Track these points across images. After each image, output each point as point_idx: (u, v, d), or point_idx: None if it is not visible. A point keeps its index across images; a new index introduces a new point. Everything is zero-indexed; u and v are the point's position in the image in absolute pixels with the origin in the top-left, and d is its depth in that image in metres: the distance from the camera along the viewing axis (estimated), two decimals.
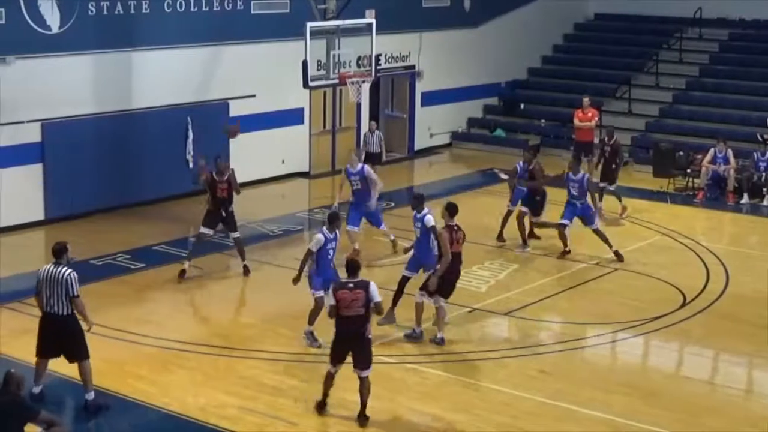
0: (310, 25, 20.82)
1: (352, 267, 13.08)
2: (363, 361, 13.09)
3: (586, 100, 26.83)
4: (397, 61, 29.04)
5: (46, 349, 13.58)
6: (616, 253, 19.87)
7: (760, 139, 27.17)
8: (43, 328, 13.54)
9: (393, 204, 23.95)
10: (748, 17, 32.67)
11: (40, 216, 21.89)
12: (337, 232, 15.53)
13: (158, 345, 15.64)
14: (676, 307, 17.51)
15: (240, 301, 18.24)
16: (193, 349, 15.45)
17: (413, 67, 29.65)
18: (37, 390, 13.60)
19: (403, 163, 29.10)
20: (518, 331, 16.94)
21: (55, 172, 21.95)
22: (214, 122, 24.50)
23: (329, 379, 13.31)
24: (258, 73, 25.27)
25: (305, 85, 21.09)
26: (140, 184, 23.34)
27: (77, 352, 13.42)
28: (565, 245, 20.12)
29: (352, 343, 13.03)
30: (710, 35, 32.48)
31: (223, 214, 18.91)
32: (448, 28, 30.23)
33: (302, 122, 26.93)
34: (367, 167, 19.94)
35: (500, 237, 21.00)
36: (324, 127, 27.72)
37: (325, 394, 13.37)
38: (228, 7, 24.70)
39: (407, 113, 30.11)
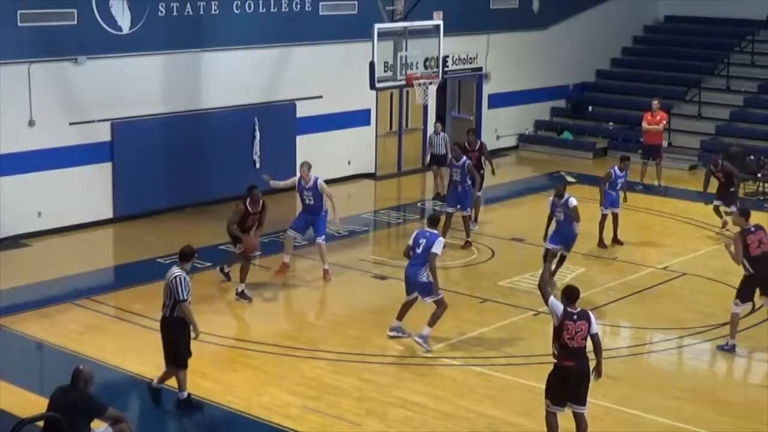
0: (377, 26, 20.82)
1: (573, 294, 12.11)
2: (584, 397, 12.18)
3: (655, 103, 26.62)
4: (464, 63, 28.96)
5: (166, 355, 13.55)
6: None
7: None
8: (161, 332, 13.56)
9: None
10: None
11: (109, 214, 22.14)
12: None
13: (223, 344, 15.74)
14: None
15: (306, 301, 18.28)
16: (258, 348, 15.53)
17: (480, 68, 29.56)
18: (183, 396, 13.54)
19: None
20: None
21: (124, 171, 22.19)
22: (282, 123, 24.67)
23: (553, 421, 12.25)
24: (325, 74, 25.35)
25: (372, 86, 21.10)
26: (207, 183, 23.51)
27: (177, 356, 13.34)
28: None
29: (578, 378, 12.05)
30: None
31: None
32: (516, 30, 30.10)
33: (369, 123, 26.97)
34: (320, 180, 18.91)
35: (601, 243, 21.09)
36: (390, 128, 27.74)
37: None
38: (296, 8, 24.80)
39: (474, 115, 30.02)
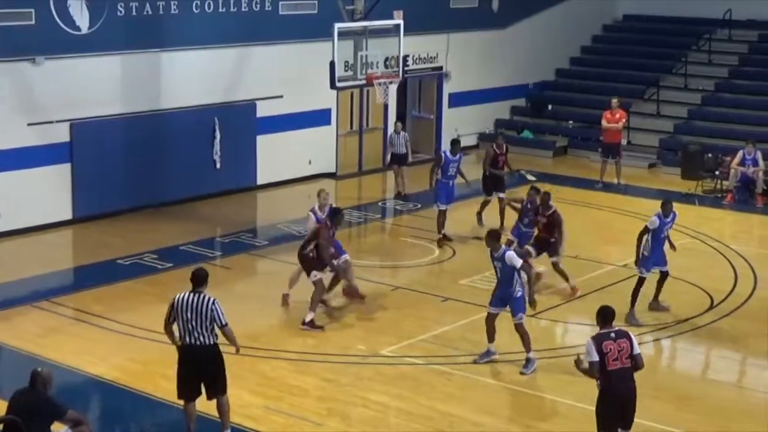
0: (337, 26, 20.82)
1: (608, 314, 11.74)
2: (631, 422, 11.58)
3: (614, 101, 26.79)
4: (424, 62, 29.01)
5: (190, 388, 12.45)
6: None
7: None
8: (185, 363, 12.39)
9: (419, 205, 23.97)
10: None
11: (68, 215, 21.99)
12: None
13: None
14: (704, 310, 17.43)
15: (267, 302, 18.24)
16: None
17: (441, 68, 29.62)
18: None
19: (430, 165, 29.02)
20: (546, 333, 16.88)
21: (84, 172, 22.05)
22: (242, 123, 24.62)
23: None
24: (285, 74, 25.31)
25: (332, 85, 21.10)
26: (167, 184, 23.41)
27: (219, 386, 12.41)
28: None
29: (627, 400, 11.46)
30: (740, 37, 32.30)
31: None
32: (476, 29, 30.18)
33: (329, 123, 26.95)
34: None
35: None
36: (351, 127, 27.74)
37: None
38: (256, 8, 24.74)
39: (434, 114, 30.08)
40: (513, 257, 14.73)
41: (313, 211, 17.38)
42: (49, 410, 10.67)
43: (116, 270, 19.07)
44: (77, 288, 18.58)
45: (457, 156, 21.28)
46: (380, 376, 14.76)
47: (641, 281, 17.17)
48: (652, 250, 17.17)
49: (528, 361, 14.93)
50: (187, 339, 12.23)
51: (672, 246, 17.61)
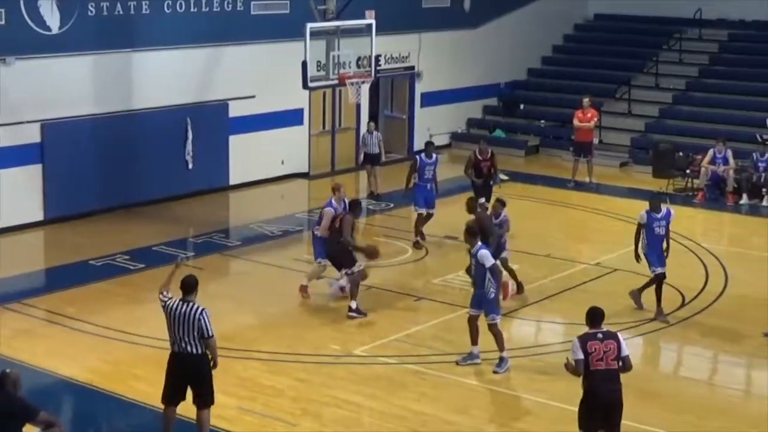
0: (309, 25, 20.81)
1: (596, 314, 11.59)
2: (618, 424, 11.51)
3: (585, 100, 26.88)
4: (396, 62, 29.03)
5: (173, 393, 12.29)
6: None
7: (759, 139, 27.20)
8: (172, 370, 12.25)
9: (392, 205, 24.00)
10: (747, 18, 32.67)
11: (39, 216, 21.88)
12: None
13: (157, 345, 15.57)
14: (675, 308, 17.52)
15: (239, 302, 18.23)
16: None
17: (413, 67, 29.65)
18: None
19: (403, 164, 29.06)
20: (518, 332, 16.94)
21: (55, 173, 21.94)
22: (214, 123, 24.57)
23: None
24: (257, 74, 25.27)
25: (305, 85, 21.09)
26: (139, 184, 23.33)
27: (205, 397, 12.22)
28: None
29: (610, 402, 11.39)
30: (710, 36, 32.49)
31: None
32: (447, 29, 30.23)
33: (302, 123, 26.93)
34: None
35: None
36: (323, 127, 27.73)
37: None
38: (228, 8, 24.70)
39: (407, 114, 30.11)
40: (485, 256, 14.74)
41: (331, 205, 17.55)
42: (21, 412, 10.58)
43: (88, 271, 19.00)
44: (49, 289, 18.49)
45: (433, 158, 21.17)
46: (354, 375, 14.77)
47: (657, 279, 17.02)
48: (648, 246, 17.20)
49: (501, 360, 14.97)
50: (176, 347, 12.11)
51: (666, 249, 17.28)
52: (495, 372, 14.84)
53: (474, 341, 15.11)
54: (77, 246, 20.55)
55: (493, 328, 14.92)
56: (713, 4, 32.00)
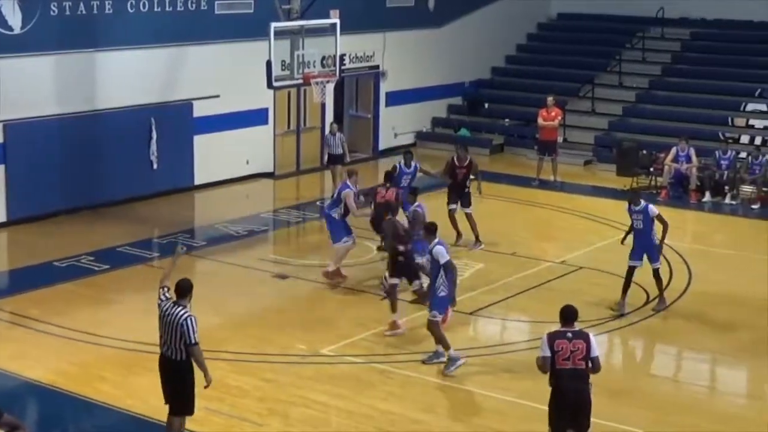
0: (274, 25, 20.78)
1: (568, 313, 11.57)
2: (586, 425, 11.48)
3: (550, 99, 26.98)
4: (361, 61, 29.03)
5: (164, 396, 12.16)
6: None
7: (721, 137, 27.42)
8: (159, 372, 12.12)
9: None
10: (709, 17, 32.90)
11: (2, 218, 21.72)
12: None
13: (123, 347, 15.57)
14: (639, 305, 17.62)
15: (205, 302, 18.14)
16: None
17: (377, 67, 29.66)
18: None
19: (369, 163, 29.11)
20: (484, 330, 17.00)
21: (18, 174, 21.79)
22: (179, 123, 24.48)
23: None
24: (222, 74, 25.19)
25: (269, 85, 21.05)
26: (104, 185, 23.20)
27: (183, 405, 12.04)
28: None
29: (575, 402, 11.36)
30: (672, 35, 32.69)
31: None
32: (412, 28, 30.26)
33: (267, 122, 26.88)
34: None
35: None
36: (288, 127, 27.68)
37: None
38: (191, 7, 24.61)
39: (372, 113, 30.12)
40: (440, 252, 14.66)
41: (349, 187, 18.34)
42: None
43: (52, 272, 18.88)
44: (13, 291, 18.34)
45: (411, 168, 20.96)
46: (321, 375, 14.77)
47: (629, 270, 17.35)
48: (633, 238, 17.47)
49: (450, 360, 14.84)
50: (162, 349, 11.99)
51: (623, 239, 17.76)
52: (445, 374, 14.67)
53: (445, 345, 15.06)
54: (41, 247, 20.42)
55: (432, 326, 14.77)
56: (675, 3, 32.21)
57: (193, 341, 11.71)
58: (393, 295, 16.29)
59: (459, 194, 20.97)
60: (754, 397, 14.98)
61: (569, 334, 11.37)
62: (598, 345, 11.66)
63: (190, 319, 11.71)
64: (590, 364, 11.37)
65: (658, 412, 13.86)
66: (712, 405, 14.52)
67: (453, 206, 20.81)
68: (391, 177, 19.34)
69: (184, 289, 11.90)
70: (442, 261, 14.62)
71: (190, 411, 12.12)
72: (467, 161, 21.19)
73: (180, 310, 11.77)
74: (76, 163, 22.69)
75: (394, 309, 16.23)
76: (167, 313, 11.83)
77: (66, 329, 16.11)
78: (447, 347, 14.86)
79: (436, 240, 14.84)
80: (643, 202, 17.39)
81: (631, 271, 17.33)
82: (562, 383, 11.32)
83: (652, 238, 17.36)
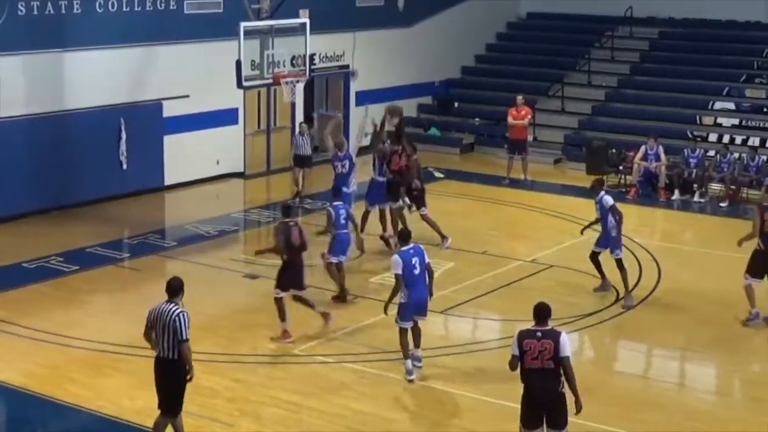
0: (243, 24, 20.75)
1: (541, 311, 11.52)
2: (561, 423, 11.43)
3: (519, 98, 27.06)
4: (331, 61, 29.02)
5: (159, 399, 12.17)
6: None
7: (690, 136, 27.58)
8: (154, 375, 12.13)
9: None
10: (677, 16, 33.07)
11: None
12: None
13: (92, 348, 15.51)
14: (609, 303, 17.71)
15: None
16: (129, 351, 15.29)
17: (347, 66, 29.65)
18: None
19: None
20: (455, 329, 17.02)
21: None
22: (149, 123, 24.39)
23: None
24: (191, 74, 25.11)
25: (239, 85, 21.02)
26: (73, 185, 23.08)
27: (173, 404, 12.05)
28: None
29: (544, 401, 11.31)
30: (641, 34, 32.84)
31: None
32: (381, 28, 30.28)
33: (237, 122, 26.81)
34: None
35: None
36: (258, 127, 27.63)
37: None
38: (160, 7, 24.52)
39: (342, 112, 30.10)
40: (393, 262, 14.53)
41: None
42: None
43: (21, 273, 18.76)
44: None
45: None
46: (292, 375, 14.76)
47: (591, 255, 18.11)
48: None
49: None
50: (157, 349, 11.94)
51: (583, 229, 18.79)
52: (410, 381, 14.56)
53: (407, 349, 14.95)
54: (10, 248, 20.28)
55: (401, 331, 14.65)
56: (643, 2, 32.36)
57: (184, 337, 11.70)
58: (280, 303, 15.90)
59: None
60: (723, 394, 15.10)
61: (539, 334, 11.30)
62: (571, 344, 11.63)
63: (183, 315, 11.73)
64: (561, 366, 11.21)
65: (627, 409, 13.93)
66: (682, 401, 14.60)
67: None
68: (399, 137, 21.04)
69: (175, 288, 11.92)
70: (393, 271, 14.46)
71: (177, 411, 12.12)
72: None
73: (173, 307, 11.78)
74: (45, 163, 22.57)
75: (282, 317, 15.94)
76: (159, 314, 11.80)
77: (35, 330, 16.03)
78: (406, 356, 14.67)
79: (401, 250, 14.66)
80: (601, 194, 17.73)
81: (593, 255, 17.98)
82: (531, 382, 11.32)
83: (608, 229, 17.60)
